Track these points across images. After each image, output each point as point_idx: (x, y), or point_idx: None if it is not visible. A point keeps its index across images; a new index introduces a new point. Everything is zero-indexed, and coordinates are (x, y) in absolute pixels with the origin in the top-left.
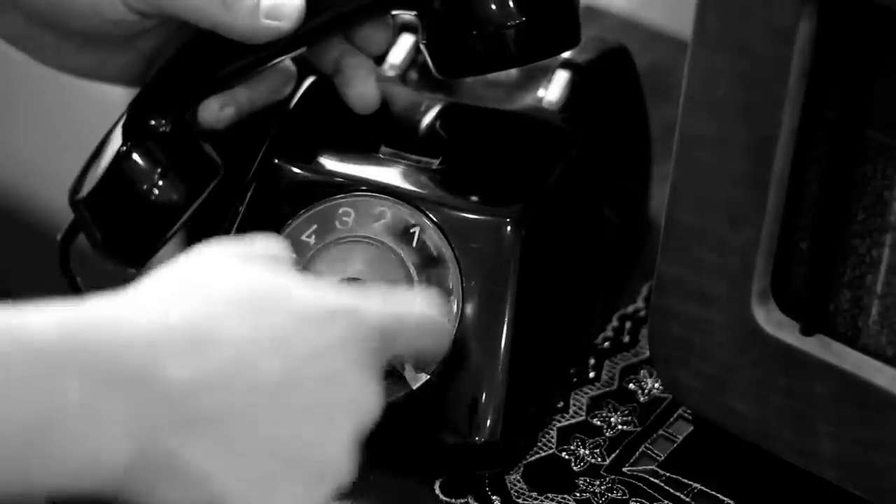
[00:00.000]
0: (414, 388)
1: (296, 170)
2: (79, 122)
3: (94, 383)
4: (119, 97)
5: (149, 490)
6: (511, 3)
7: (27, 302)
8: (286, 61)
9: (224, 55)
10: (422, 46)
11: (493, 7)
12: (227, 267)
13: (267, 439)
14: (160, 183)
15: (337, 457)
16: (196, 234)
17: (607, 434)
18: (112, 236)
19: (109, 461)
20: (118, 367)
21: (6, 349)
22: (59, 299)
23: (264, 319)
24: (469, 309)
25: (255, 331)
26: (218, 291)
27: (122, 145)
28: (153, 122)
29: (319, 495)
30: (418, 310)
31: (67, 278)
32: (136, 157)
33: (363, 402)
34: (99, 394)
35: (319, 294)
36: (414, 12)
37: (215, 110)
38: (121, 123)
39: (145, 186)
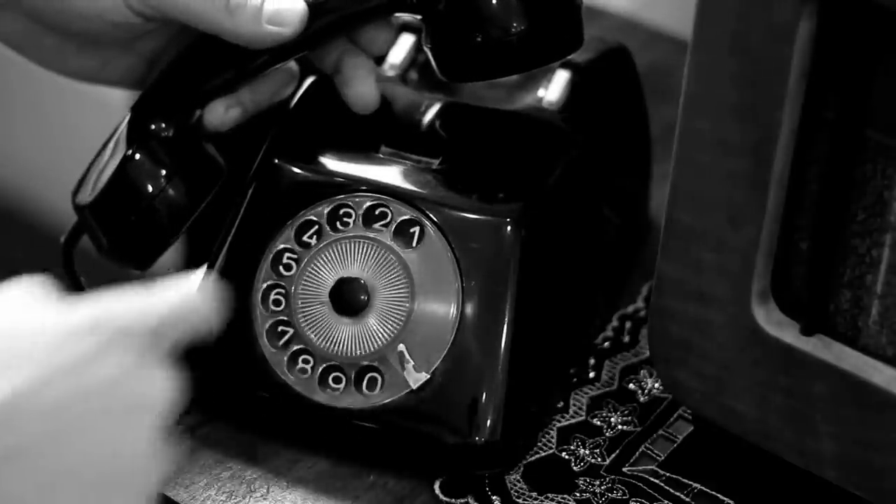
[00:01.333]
0: (414, 388)
1: (296, 170)
2: (79, 124)
3: None
4: (119, 99)
5: None
6: (516, 9)
7: None
8: (289, 62)
9: (227, 59)
10: (426, 50)
11: (498, 12)
12: None
13: (69, 462)
14: (166, 187)
15: (143, 459)
16: (196, 234)
17: (607, 434)
18: (118, 241)
19: None
20: None
21: None
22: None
23: (29, 350)
24: (469, 309)
25: (14, 360)
26: None
27: (127, 150)
28: (157, 126)
29: (139, 499)
30: (175, 296)
31: (71, 280)
32: (141, 161)
33: (150, 396)
34: None
35: (70, 313)
36: (418, 16)
37: (221, 113)
38: (124, 127)
39: (151, 191)
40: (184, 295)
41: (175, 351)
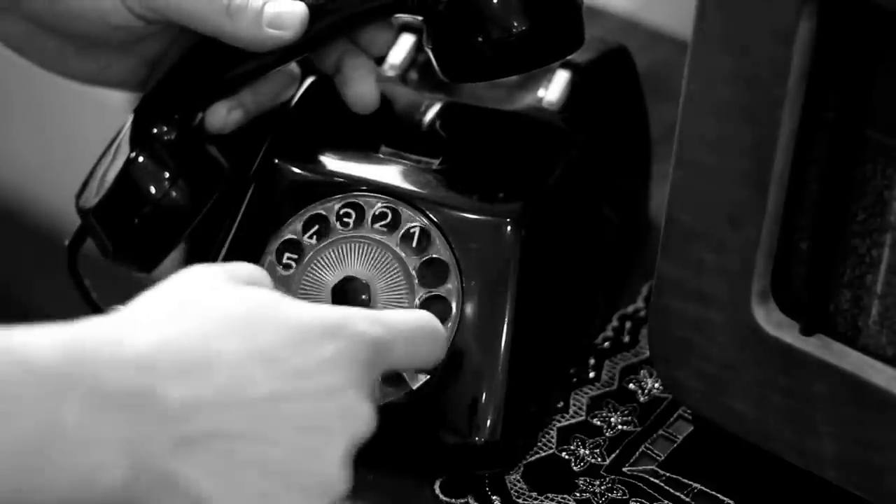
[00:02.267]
0: (414, 388)
1: (296, 170)
2: (79, 126)
3: (93, 404)
4: (119, 100)
5: None
6: (516, 9)
7: (29, 302)
8: (290, 63)
9: (228, 61)
10: (427, 50)
11: (499, 13)
12: (219, 287)
13: (263, 456)
14: (170, 190)
15: (333, 471)
16: (196, 234)
17: (607, 434)
18: (123, 244)
19: (106, 480)
20: (116, 388)
21: (8, 370)
22: (65, 302)
23: (258, 338)
24: (469, 309)
25: (248, 350)
26: (212, 311)
27: (130, 153)
28: (160, 129)
29: None
30: (413, 322)
31: (76, 282)
32: (144, 164)
33: (357, 417)
34: (97, 414)
35: (311, 311)
36: (420, 17)
37: (222, 114)
38: (127, 130)
39: (155, 194)
40: (419, 321)
41: (391, 373)
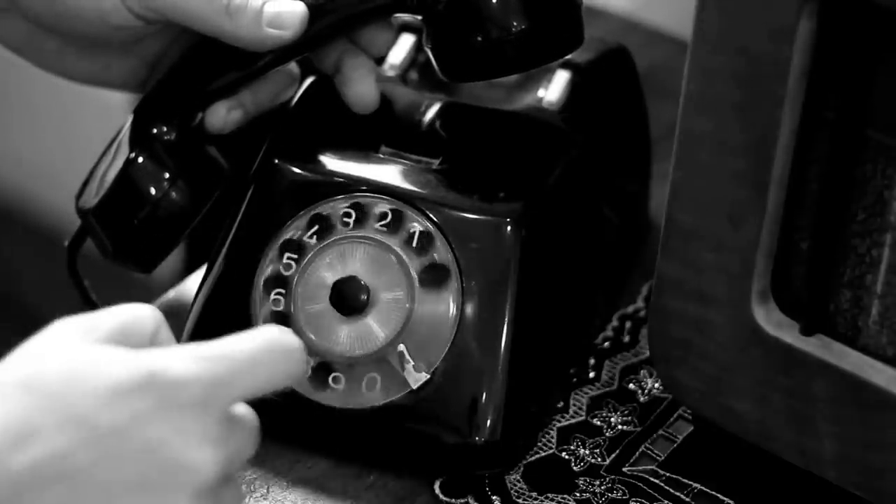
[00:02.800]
0: (414, 388)
1: (296, 170)
2: (79, 125)
3: None
4: (119, 101)
5: None
6: (516, 9)
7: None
8: (290, 63)
9: (228, 61)
10: (427, 50)
11: (499, 12)
12: (54, 351)
13: None
14: (170, 190)
15: None
16: (196, 234)
17: (607, 434)
18: (122, 245)
19: None
20: None
21: None
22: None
23: (74, 404)
24: (469, 309)
25: (64, 419)
26: (34, 381)
27: (130, 153)
28: (160, 130)
29: None
30: (256, 343)
31: (75, 282)
32: (144, 165)
33: (190, 468)
34: None
35: (127, 364)
36: (419, 17)
37: (223, 115)
38: (127, 131)
39: (155, 194)
40: (265, 340)
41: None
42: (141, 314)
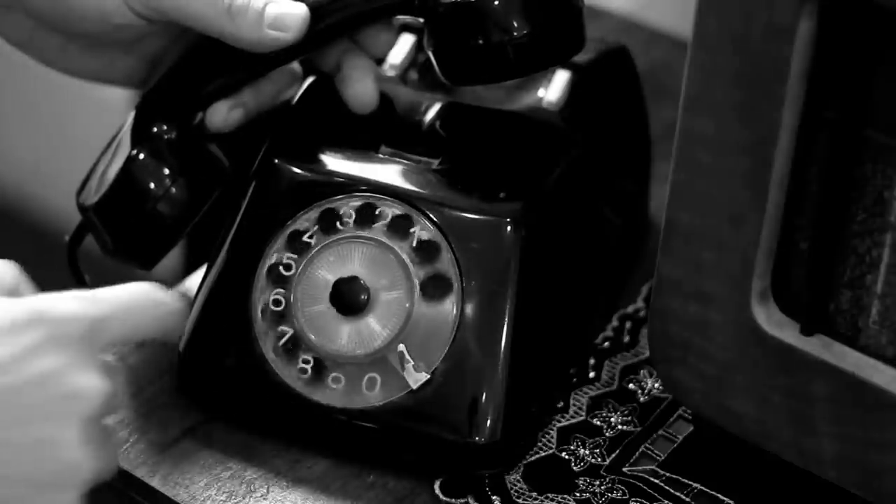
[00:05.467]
0: (414, 388)
1: (296, 170)
2: (79, 123)
3: None
4: (119, 99)
5: None
6: (518, 13)
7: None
8: (291, 63)
9: (230, 60)
10: (429, 53)
11: (501, 16)
12: None
13: None
14: (170, 187)
15: (74, 457)
16: (196, 233)
17: (607, 434)
18: (123, 241)
19: None
20: None
21: None
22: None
23: None
24: (469, 309)
25: None
26: None
27: (131, 151)
28: (161, 128)
29: (67, 499)
30: (129, 294)
31: (76, 278)
32: (145, 162)
33: (82, 396)
34: None
35: (18, 306)
36: (421, 19)
37: (224, 113)
38: (128, 128)
39: (155, 192)
40: (136, 292)
41: (119, 346)
42: (1, 270)
